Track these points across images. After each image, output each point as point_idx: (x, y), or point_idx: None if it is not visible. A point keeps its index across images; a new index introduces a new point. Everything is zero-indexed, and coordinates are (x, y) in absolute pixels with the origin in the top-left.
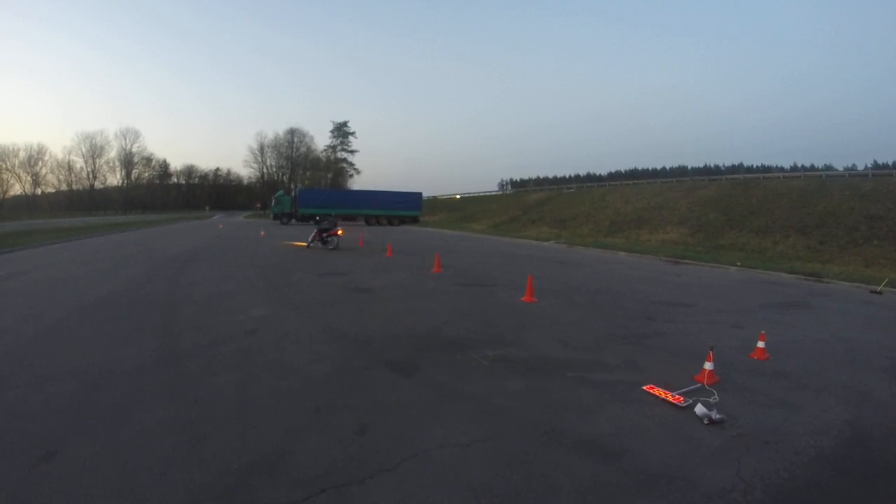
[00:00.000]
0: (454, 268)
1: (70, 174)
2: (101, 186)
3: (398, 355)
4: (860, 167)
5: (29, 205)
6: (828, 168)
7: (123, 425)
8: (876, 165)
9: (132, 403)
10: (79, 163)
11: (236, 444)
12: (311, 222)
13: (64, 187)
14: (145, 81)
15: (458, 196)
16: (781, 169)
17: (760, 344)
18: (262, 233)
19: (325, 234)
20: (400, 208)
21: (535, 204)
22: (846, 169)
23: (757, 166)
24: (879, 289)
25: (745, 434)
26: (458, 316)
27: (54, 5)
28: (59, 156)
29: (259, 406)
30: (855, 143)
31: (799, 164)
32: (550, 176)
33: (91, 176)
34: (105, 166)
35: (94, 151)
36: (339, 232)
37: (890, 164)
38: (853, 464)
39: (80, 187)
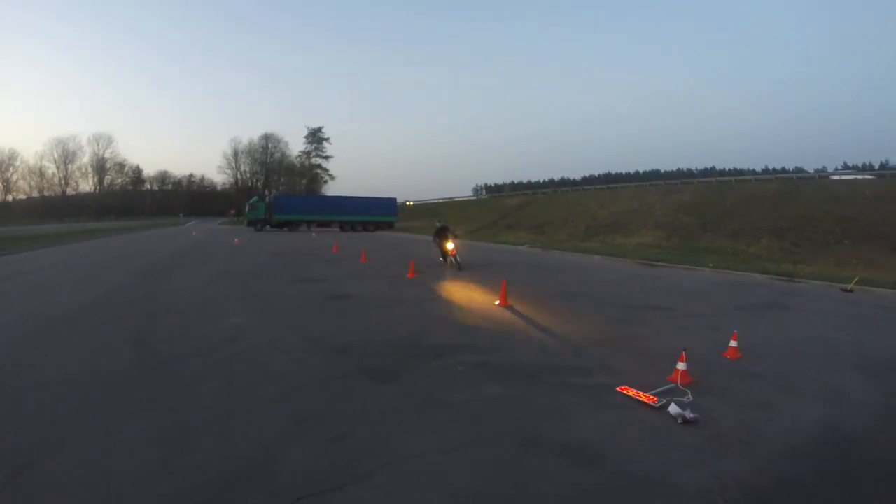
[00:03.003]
0: (429, 274)
1: (42, 180)
2: (74, 193)
3: (376, 363)
4: (830, 169)
5: (2, 211)
6: (799, 171)
7: (102, 435)
8: (846, 167)
9: (111, 413)
10: (51, 168)
11: (216, 454)
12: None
13: (35, 194)
14: (118, 86)
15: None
16: (753, 172)
17: (733, 343)
18: (237, 240)
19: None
20: (375, 214)
21: (512, 209)
22: (817, 171)
23: (729, 169)
24: (850, 287)
25: (720, 434)
26: (435, 322)
27: (25, 11)
28: (31, 161)
29: (238, 415)
30: (825, 145)
31: (770, 167)
32: (525, 180)
33: (63, 182)
34: (77, 172)
35: (67, 157)
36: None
37: (860, 166)
38: (828, 462)
39: (53, 193)
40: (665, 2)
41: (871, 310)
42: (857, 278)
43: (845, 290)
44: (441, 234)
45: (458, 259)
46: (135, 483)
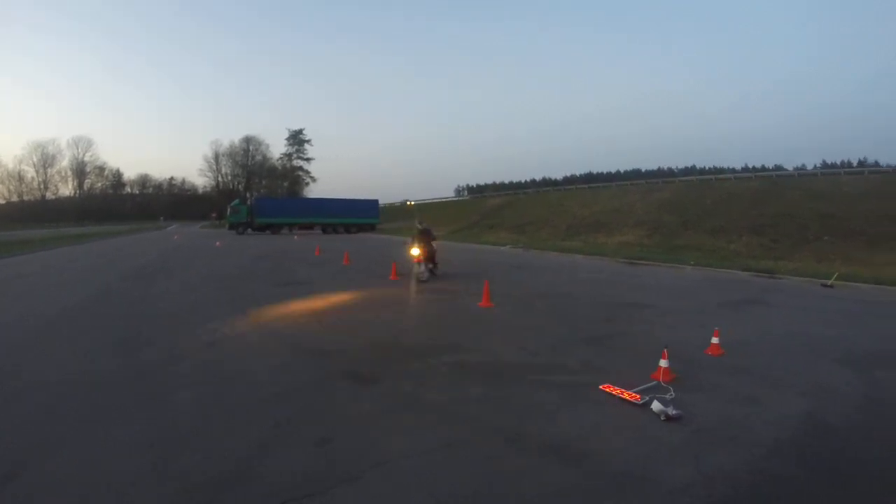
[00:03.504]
0: (411, 275)
1: (21, 185)
2: (54, 197)
3: (358, 365)
4: (809, 167)
5: None
6: (778, 168)
7: (88, 443)
8: (825, 165)
9: (97, 421)
10: (30, 173)
11: (201, 460)
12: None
13: (15, 198)
14: (96, 89)
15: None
16: (733, 170)
17: (714, 340)
18: (219, 243)
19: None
20: (357, 216)
21: (493, 209)
22: (796, 169)
23: (710, 168)
24: (830, 282)
25: (704, 429)
26: (417, 323)
27: None
28: (10, 166)
29: (222, 420)
30: (803, 144)
31: (750, 165)
32: (507, 181)
33: (43, 186)
34: (57, 176)
35: (46, 161)
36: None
37: (838, 163)
38: (812, 454)
39: (32, 198)
40: (657, 3)
41: (851, 304)
42: (837, 274)
43: (826, 286)
44: (420, 238)
45: (426, 268)
46: (122, 490)
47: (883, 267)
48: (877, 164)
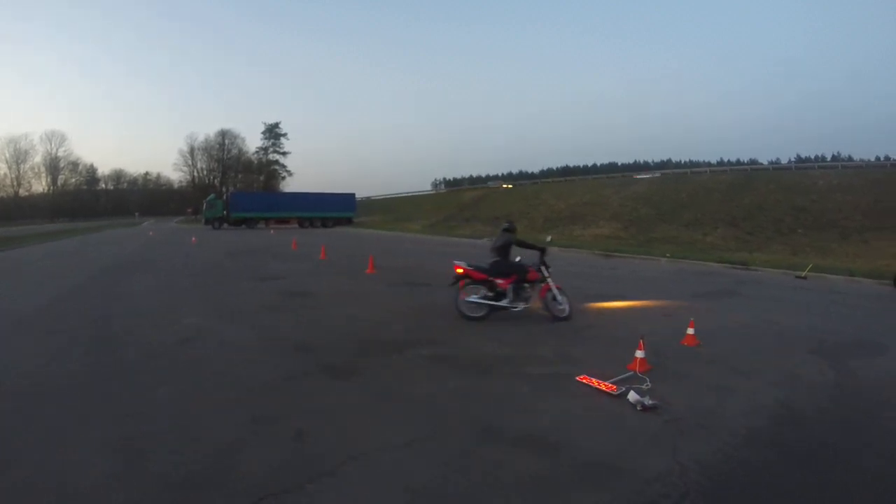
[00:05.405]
0: (388, 269)
1: None
2: (27, 194)
3: (336, 359)
4: (783, 161)
5: None
6: (753, 162)
7: (60, 445)
8: (799, 159)
9: (68, 422)
10: (2, 169)
11: (175, 459)
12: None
13: None
14: (69, 83)
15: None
16: (708, 164)
17: (690, 331)
18: (194, 239)
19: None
20: (333, 210)
21: (470, 202)
22: (770, 163)
23: (685, 161)
24: (804, 274)
25: (679, 419)
26: (394, 317)
27: None
28: None
29: (197, 418)
30: (778, 138)
31: (725, 159)
32: (483, 174)
33: (15, 183)
34: (30, 172)
35: (19, 156)
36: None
37: (812, 157)
38: (785, 442)
39: (5, 195)
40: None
41: (824, 296)
42: (810, 266)
43: (799, 278)
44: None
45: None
46: (95, 491)
47: (855, 259)
48: (850, 158)
